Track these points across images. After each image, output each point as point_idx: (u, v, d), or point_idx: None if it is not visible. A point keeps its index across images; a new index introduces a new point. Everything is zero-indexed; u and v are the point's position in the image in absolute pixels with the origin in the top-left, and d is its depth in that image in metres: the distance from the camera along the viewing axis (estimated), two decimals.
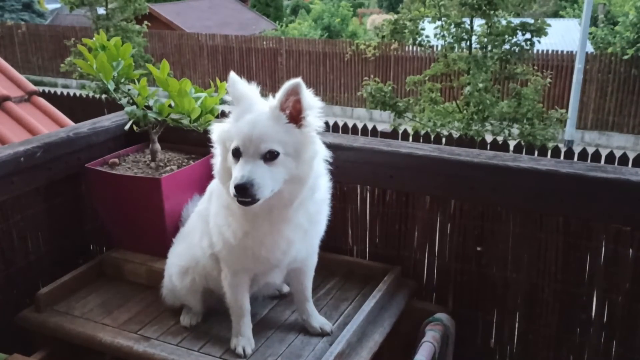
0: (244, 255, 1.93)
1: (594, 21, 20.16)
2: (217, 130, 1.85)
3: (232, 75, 1.83)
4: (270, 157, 1.70)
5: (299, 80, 1.72)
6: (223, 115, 1.96)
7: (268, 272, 2.05)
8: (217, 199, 1.99)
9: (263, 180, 1.67)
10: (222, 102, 2.42)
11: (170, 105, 2.39)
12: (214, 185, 2.09)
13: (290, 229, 1.89)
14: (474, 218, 2.32)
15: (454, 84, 11.48)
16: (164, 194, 2.36)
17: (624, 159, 7.83)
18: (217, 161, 1.88)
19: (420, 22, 11.34)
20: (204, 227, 2.09)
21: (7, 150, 2.34)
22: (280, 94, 1.74)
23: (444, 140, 8.83)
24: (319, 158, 1.85)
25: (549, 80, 11.14)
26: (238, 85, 1.81)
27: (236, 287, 2.03)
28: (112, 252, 2.58)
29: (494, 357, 2.41)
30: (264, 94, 1.86)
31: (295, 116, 1.75)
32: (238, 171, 1.69)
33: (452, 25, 10.94)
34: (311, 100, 1.75)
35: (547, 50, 14.68)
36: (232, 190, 1.68)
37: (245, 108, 1.78)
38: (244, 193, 1.66)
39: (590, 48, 15.65)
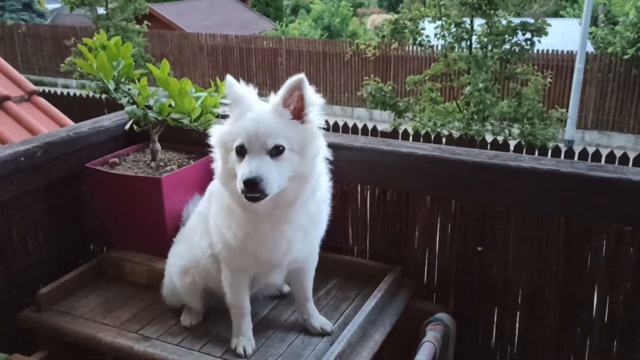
0: (244, 256, 1.93)
1: (594, 21, 20.16)
2: (217, 133, 1.84)
3: (229, 78, 1.83)
4: (276, 152, 1.70)
5: (302, 75, 1.72)
6: (223, 116, 1.96)
7: (269, 272, 2.05)
8: (217, 200, 1.99)
9: (271, 175, 1.67)
10: (220, 104, 2.42)
11: (170, 105, 2.39)
12: (213, 186, 2.08)
13: (291, 229, 1.88)
14: (474, 218, 2.32)
15: (454, 83, 11.48)
16: (164, 193, 2.35)
17: (624, 159, 7.83)
18: (218, 164, 1.87)
19: (420, 21, 11.34)
20: (203, 227, 2.09)
21: (7, 150, 2.33)
22: (283, 89, 1.74)
23: (444, 140, 8.83)
24: (321, 156, 1.85)
25: (549, 80, 11.14)
26: (235, 87, 1.81)
27: (236, 287, 2.02)
28: (113, 252, 2.58)
29: (494, 357, 2.41)
30: (264, 94, 1.86)
31: (297, 113, 1.76)
32: (245, 167, 1.68)
33: (453, 25, 10.95)
34: (313, 97, 1.76)
35: (548, 50, 14.68)
36: (240, 186, 1.67)
37: (245, 108, 1.77)
38: (253, 188, 1.65)
39: (590, 48, 15.64)
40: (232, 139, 1.75)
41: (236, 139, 1.73)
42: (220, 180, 1.87)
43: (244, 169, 1.68)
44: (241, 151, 1.72)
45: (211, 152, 1.91)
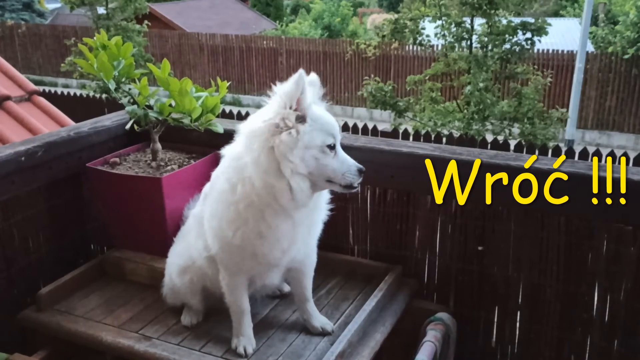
0: (242, 257, 1.93)
1: (594, 20, 20.14)
2: (306, 135, 1.76)
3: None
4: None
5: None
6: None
7: (266, 272, 2.05)
8: (215, 202, 1.94)
9: None
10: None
11: (171, 105, 2.38)
12: (208, 188, 2.07)
13: (304, 226, 1.93)
14: (475, 217, 2.32)
15: (455, 83, 11.47)
16: (164, 193, 2.35)
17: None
18: (260, 160, 1.76)
19: (420, 21, 11.34)
20: (198, 229, 2.09)
21: (8, 149, 2.34)
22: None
23: (444, 139, 8.83)
24: None
25: (549, 79, 11.13)
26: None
27: (234, 288, 2.02)
28: (113, 252, 2.58)
29: (495, 356, 2.41)
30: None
31: None
32: (349, 159, 1.84)
33: (453, 25, 10.94)
34: None
35: (548, 50, 14.67)
36: (353, 176, 1.82)
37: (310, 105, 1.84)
38: (361, 177, 1.84)
39: (590, 47, 15.64)
40: (322, 136, 1.79)
41: (328, 136, 1.80)
42: (273, 177, 1.75)
43: (349, 161, 1.84)
44: (332, 147, 1.81)
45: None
